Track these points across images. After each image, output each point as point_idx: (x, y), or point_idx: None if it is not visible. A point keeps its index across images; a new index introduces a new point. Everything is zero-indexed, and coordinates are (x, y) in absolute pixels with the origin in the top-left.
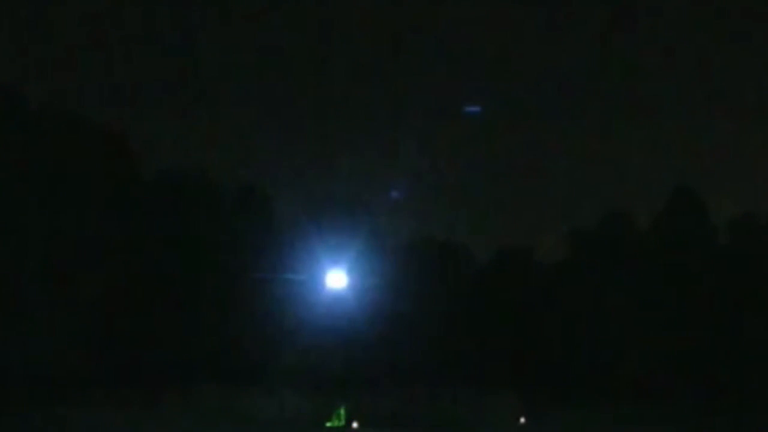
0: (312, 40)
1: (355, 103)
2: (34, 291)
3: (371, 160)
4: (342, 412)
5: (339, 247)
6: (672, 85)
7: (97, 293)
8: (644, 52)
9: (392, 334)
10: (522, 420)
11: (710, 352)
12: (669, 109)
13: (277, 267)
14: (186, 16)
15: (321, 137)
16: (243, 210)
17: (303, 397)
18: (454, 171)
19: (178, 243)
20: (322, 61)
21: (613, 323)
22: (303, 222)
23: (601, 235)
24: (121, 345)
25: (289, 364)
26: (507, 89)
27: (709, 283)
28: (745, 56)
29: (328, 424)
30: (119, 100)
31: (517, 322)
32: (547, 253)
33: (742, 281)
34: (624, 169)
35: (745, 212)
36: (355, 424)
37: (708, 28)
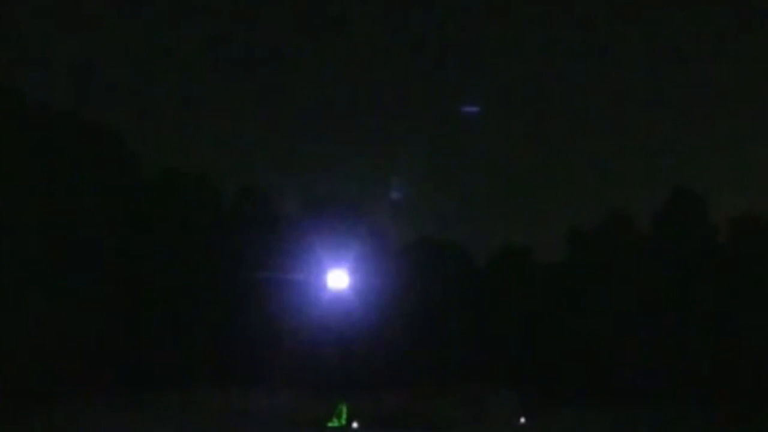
0: (312, 41)
1: (354, 103)
2: (33, 291)
3: (371, 160)
4: (343, 410)
5: (339, 247)
6: (672, 85)
7: (96, 293)
8: (644, 53)
9: (392, 334)
10: (522, 420)
11: (710, 353)
12: (669, 109)
13: (277, 267)
14: (186, 16)
15: (321, 137)
16: (243, 210)
17: (303, 397)
18: (454, 171)
19: (178, 243)
20: (322, 62)
21: (612, 323)
22: (303, 222)
23: (601, 235)
24: (121, 345)
25: (289, 364)
26: (507, 89)
27: (709, 283)
28: (746, 56)
29: (330, 424)
30: (119, 100)
31: (516, 322)
32: (547, 253)
33: (742, 281)
34: (624, 169)
35: (745, 212)
36: (355, 424)
37: (708, 28)
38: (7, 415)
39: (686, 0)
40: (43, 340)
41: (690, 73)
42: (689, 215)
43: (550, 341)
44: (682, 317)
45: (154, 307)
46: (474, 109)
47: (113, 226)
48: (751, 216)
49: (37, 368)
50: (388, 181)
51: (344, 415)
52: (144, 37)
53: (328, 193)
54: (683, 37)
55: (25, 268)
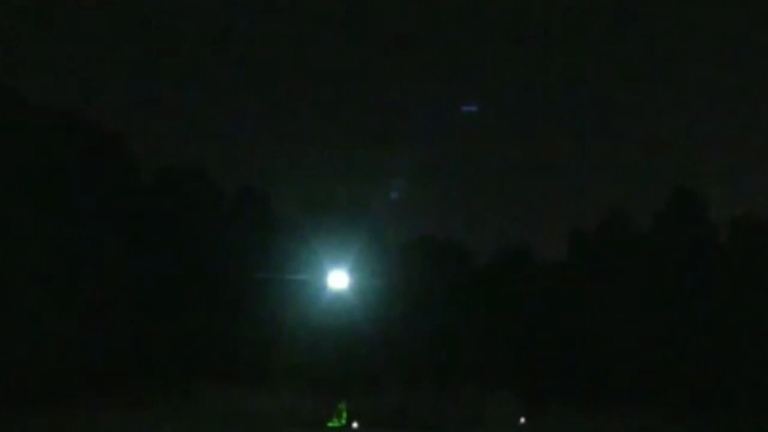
0: (312, 41)
1: (354, 104)
2: (34, 291)
3: (371, 160)
4: (343, 410)
5: (339, 247)
6: (672, 85)
7: (96, 293)
8: (644, 53)
9: (392, 334)
10: (522, 420)
11: (710, 353)
12: (669, 109)
13: (277, 267)
14: (186, 16)
15: (321, 137)
16: (243, 210)
17: (303, 397)
18: (454, 171)
19: (178, 243)
20: (323, 62)
21: (612, 323)
22: (303, 222)
23: (601, 235)
24: (121, 345)
25: (289, 364)
26: (506, 89)
27: (709, 283)
28: (745, 56)
29: (330, 424)
30: (119, 100)
31: (516, 322)
32: (547, 253)
33: (742, 281)
34: (624, 169)
35: (745, 212)
36: (355, 424)
37: (708, 29)
38: (7, 415)
39: (686, 0)
40: (44, 341)
41: (690, 73)
42: (689, 215)
43: (549, 341)
44: (681, 317)
45: (154, 307)
46: (473, 108)
47: (113, 225)
48: (751, 216)
49: (37, 368)
50: (388, 181)
51: (344, 415)
52: (144, 37)
53: (328, 193)
54: (683, 37)
55: (24, 268)
